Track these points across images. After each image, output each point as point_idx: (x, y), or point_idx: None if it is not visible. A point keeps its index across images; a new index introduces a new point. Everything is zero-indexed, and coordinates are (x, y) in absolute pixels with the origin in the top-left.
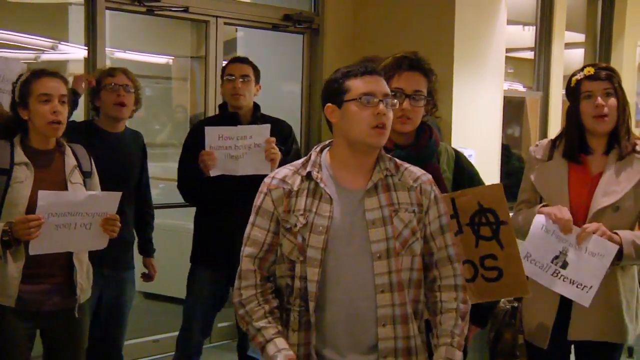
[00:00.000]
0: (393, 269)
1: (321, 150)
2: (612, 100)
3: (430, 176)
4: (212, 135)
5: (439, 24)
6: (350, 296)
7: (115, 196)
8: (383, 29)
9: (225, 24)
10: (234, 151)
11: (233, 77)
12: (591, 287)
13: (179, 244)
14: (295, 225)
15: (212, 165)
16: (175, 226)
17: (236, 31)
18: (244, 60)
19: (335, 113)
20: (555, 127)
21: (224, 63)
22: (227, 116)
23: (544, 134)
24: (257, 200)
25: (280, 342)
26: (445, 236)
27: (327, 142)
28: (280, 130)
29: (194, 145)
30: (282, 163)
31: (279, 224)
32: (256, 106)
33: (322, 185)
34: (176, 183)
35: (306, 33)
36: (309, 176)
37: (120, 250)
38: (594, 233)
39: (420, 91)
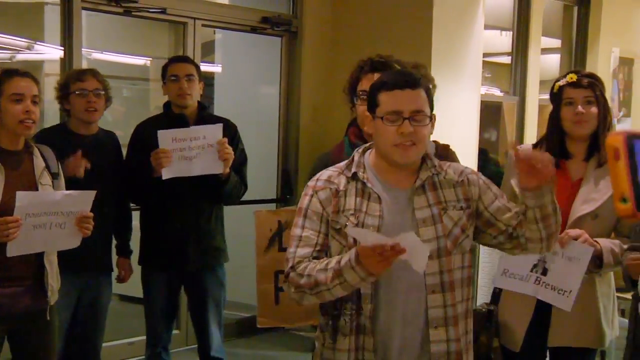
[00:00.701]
0: (445, 269)
1: (363, 152)
2: (593, 108)
3: (473, 169)
4: (165, 138)
5: (417, 28)
6: (403, 297)
7: (90, 195)
8: (362, 33)
9: (203, 25)
10: (188, 152)
11: (177, 78)
12: (571, 291)
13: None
14: (346, 226)
15: (167, 163)
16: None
17: (214, 33)
18: (186, 60)
19: (371, 124)
20: (531, 131)
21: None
22: (175, 117)
23: (520, 138)
24: (303, 203)
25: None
26: (511, 209)
27: (368, 144)
28: (226, 129)
29: (139, 144)
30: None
31: (329, 225)
32: (201, 105)
33: (369, 185)
34: None
35: (284, 36)
36: (354, 177)
37: (99, 252)
38: (575, 239)
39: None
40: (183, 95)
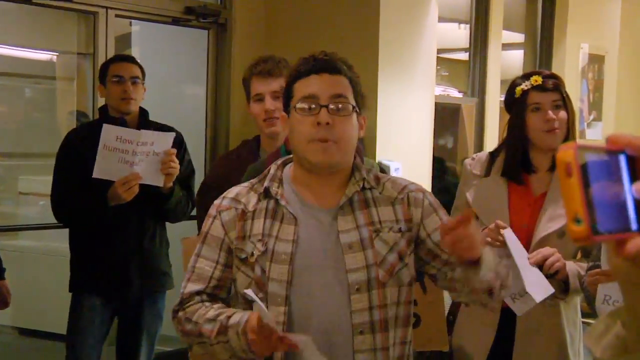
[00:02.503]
0: (375, 304)
1: (283, 165)
2: (562, 113)
3: (421, 185)
4: (110, 134)
5: (361, 20)
6: (324, 340)
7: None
8: (299, 26)
9: (117, 16)
10: (130, 156)
11: (122, 79)
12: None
13: (58, 271)
14: (252, 255)
15: (129, 196)
16: (53, 250)
17: (130, 25)
18: (131, 60)
19: (286, 122)
20: (492, 137)
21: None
22: (114, 123)
23: (479, 145)
24: (205, 226)
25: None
26: None
27: (290, 156)
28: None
29: (73, 158)
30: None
31: (231, 254)
32: (143, 111)
33: (283, 202)
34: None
35: (211, 28)
36: (267, 193)
37: None
38: (546, 259)
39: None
40: (127, 100)
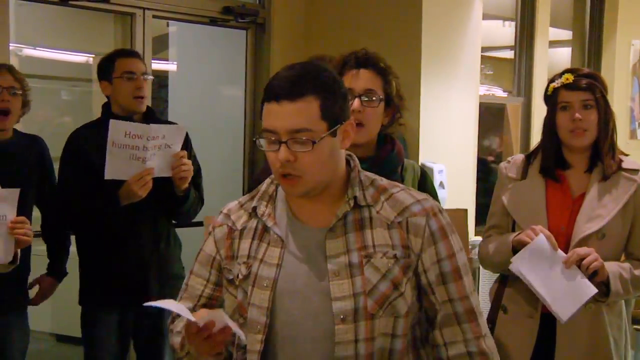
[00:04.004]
0: (361, 337)
1: None
2: (592, 114)
3: (432, 203)
4: (118, 130)
5: (403, 19)
6: None
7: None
8: (339, 25)
9: (154, 17)
10: (141, 152)
11: (135, 75)
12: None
13: None
14: (238, 277)
15: (144, 193)
16: None
17: (167, 26)
18: (139, 55)
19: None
20: (539, 138)
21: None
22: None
23: (526, 146)
24: (203, 243)
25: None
26: (448, 287)
27: None
28: None
29: (79, 159)
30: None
31: (221, 273)
32: (149, 109)
33: (269, 224)
34: None
35: (250, 28)
36: (255, 212)
37: (6, 287)
38: (583, 259)
39: (372, 90)
40: (141, 98)
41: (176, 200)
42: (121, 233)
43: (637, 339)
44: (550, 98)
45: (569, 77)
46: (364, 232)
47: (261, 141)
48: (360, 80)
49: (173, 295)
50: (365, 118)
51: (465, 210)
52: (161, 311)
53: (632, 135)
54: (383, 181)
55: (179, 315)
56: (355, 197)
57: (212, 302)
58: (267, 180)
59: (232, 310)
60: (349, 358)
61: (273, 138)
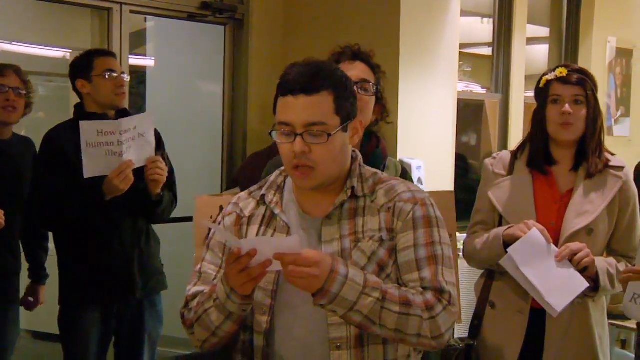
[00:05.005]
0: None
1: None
2: (582, 109)
3: (425, 196)
4: (89, 130)
5: (381, 15)
6: (304, 353)
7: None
8: (318, 21)
9: (132, 12)
10: (116, 147)
11: (115, 74)
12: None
13: None
14: None
15: (126, 186)
16: None
17: (145, 21)
18: (115, 56)
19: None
20: (516, 134)
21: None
22: (97, 119)
23: (503, 142)
24: (211, 232)
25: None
26: (422, 273)
27: None
28: None
29: (57, 159)
30: None
31: None
32: (124, 110)
33: (277, 211)
34: None
35: (228, 24)
36: (263, 200)
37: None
38: (575, 254)
39: (367, 80)
40: (122, 95)
41: (151, 203)
42: (103, 229)
43: (612, 334)
44: (542, 91)
45: (563, 71)
46: (357, 219)
47: (274, 134)
48: (356, 70)
49: (157, 290)
50: (361, 106)
51: (452, 192)
52: (141, 302)
53: (609, 131)
54: (384, 175)
55: (192, 298)
56: (353, 188)
57: None
58: (276, 172)
59: None
60: (342, 340)
61: (288, 130)
